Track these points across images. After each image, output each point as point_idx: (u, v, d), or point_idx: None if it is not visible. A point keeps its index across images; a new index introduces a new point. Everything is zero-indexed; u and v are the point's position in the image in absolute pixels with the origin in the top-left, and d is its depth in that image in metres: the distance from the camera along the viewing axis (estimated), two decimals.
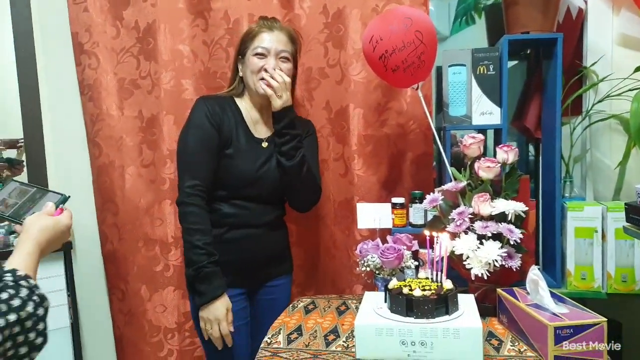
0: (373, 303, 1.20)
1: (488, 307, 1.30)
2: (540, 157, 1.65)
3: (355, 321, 1.10)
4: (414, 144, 1.75)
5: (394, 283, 1.18)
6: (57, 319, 1.67)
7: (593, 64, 1.55)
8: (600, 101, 1.53)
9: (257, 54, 1.44)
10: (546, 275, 1.55)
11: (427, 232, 1.22)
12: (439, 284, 1.16)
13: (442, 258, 1.16)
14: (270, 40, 1.45)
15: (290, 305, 1.47)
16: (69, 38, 1.85)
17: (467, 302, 1.18)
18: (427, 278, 1.21)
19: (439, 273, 1.17)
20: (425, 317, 1.08)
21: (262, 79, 1.43)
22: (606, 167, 1.57)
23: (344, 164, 1.76)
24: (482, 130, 1.54)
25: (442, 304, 1.09)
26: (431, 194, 1.40)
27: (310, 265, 1.85)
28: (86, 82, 1.83)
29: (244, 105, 1.53)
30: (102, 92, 1.81)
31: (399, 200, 1.59)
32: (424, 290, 1.12)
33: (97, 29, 1.81)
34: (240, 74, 1.52)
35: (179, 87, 1.79)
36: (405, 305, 1.09)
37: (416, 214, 1.58)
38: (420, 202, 1.55)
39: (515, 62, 1.92)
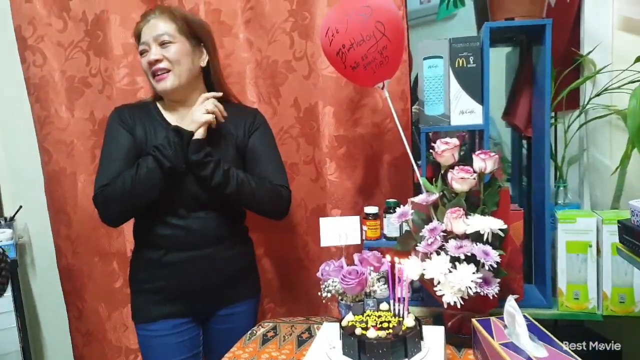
0: (328, 339, 1.05)
1: (463, 338, 1.15)
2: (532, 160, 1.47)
3: None
4: (392, 145, 1.58)
5: (348, 319, 1.03)
6: (7, 343, 1.55)
7: (590, 52, 1.35)
8: (598, 95, 1.34)
9: (142, 54, 1.27)
10: (537, 294, 1.39)
11: (388, 257, 1.07)
12: (400, 319, 1.00)
13: (403, 290, 1.01)
14: (146, 32, 1.26)
15: (249, 332, 1.32)
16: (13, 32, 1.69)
17: (434, 337, 1.03)
18: (388, 310, 1.06)
19: (402, 306, 1.02)
20: None
21: (155, 75, 1.26)
22: (605, 170, 1.39)
23: (315, 168, 1.60)
24: (467, 130, 1.37)
25: (399, 347, 0.94)
26: (401, 206, 1.24)
27: (283, 279, 1.71)
28: (32, 81, 1.67)
29: (166, 109, 1.35)
30: (50, 92, 1.66)
31: (372, 210, 1.43)
32: (381, 329, 0.97)
33: (41, 22, 1.64)
34: None
35: (134, 85, 1.63)
36: (357, 347, 0.95)
37: (390, 225, 1.42)
38: (395, 212, 1.38)
39: (510, 48, 1.72)
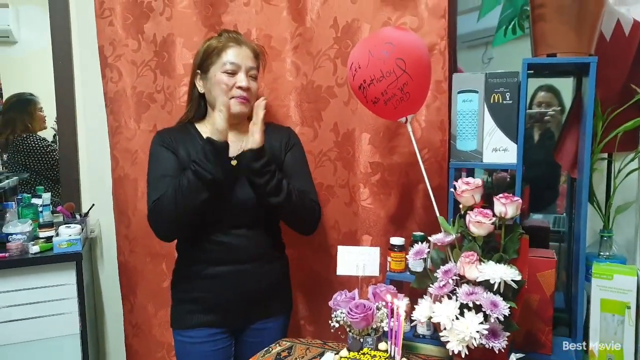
0: None
1: None
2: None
3: None
4: (429, 175, 1.53)
5: (341, 355, 1.04)
6: (68, 326, 1.76)
7: None
8: None
9: (226, 72, 1.35)
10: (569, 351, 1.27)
11: (389, 297, 1.06)
12: None
13: (398, 331, 0.99)
14: (239, 56, 1.35)
15: (265, 349, 1.37)
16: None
17: None
18: (386, 351, 1.05)
19: (395, 349, 1.01)
20: None
21: (235, 97, 1.35)
22: None
23: (349, 192, 1.61)
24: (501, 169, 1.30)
25: None
26: (416, 244, 1.22)
27: (314, 298, 1.74)
28: (109, 95, 1.87)
29: (205, 129, 1.43)
30: (122, 105, 1.84)
31: (398, 241, 1.41)
32: None
33: (120, 43, 1.83)
34: (201, 91, 1.42)
35: None
36: None
37: (416, 260, 1.39)
38: None
39: (570, 77, 1.60)
